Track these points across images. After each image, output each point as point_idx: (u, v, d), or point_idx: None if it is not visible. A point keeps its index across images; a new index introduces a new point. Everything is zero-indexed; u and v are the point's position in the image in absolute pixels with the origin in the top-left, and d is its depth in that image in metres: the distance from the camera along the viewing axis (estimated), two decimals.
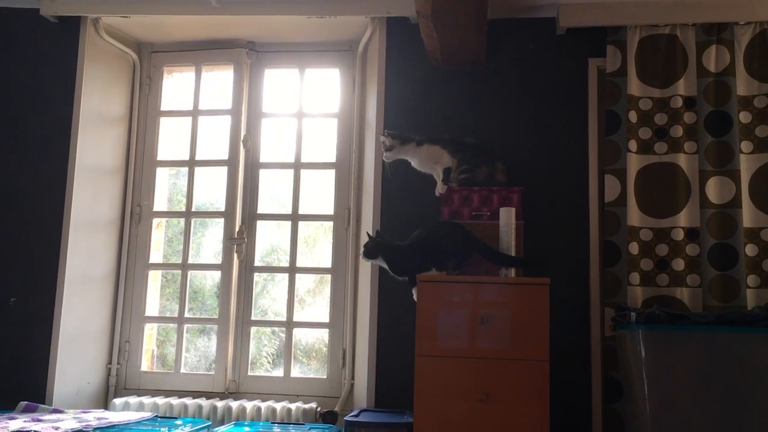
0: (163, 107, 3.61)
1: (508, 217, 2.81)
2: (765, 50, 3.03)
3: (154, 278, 3.54)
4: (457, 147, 3.01)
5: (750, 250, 2.92)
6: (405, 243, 2.85)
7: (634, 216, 2.98)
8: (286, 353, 3.37)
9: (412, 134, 3.04)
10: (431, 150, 3.02)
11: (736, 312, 2.70)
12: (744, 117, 3.00)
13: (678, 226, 2.96)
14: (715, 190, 2.97)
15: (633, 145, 3.03)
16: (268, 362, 3.55)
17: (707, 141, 3.00)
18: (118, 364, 3.39)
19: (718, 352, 2.58)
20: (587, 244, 3.07)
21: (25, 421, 2.63)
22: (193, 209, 3.53)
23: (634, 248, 2.95)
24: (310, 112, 3.55)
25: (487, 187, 2.96)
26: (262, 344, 3.56)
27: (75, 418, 2.77)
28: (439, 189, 2.99)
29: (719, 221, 2.94)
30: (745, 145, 2.99)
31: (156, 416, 2.99)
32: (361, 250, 2.87)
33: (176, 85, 3.68)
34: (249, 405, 3.09)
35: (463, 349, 2.59)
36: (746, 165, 2.97)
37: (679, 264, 2.93)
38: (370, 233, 2.88)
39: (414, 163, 3.07)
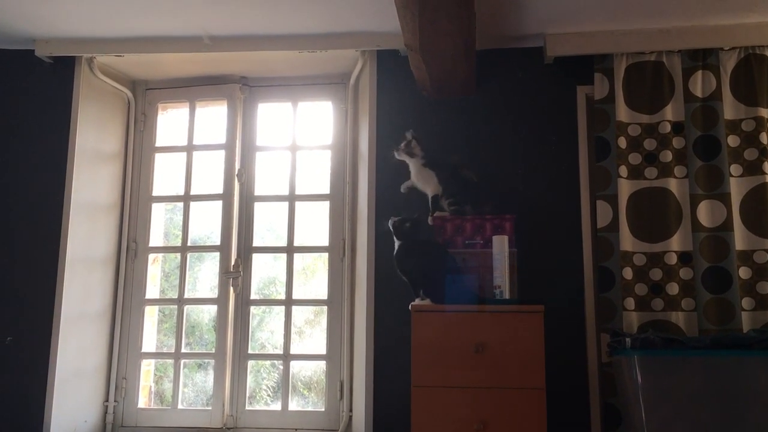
0: (158, 143, 3.64)
1: (501, 245, 2.83)
2: (750, 74, 3.06)
3: (151, 314, 3.55)
4: (449, 176, 3.05)
5: (743, 272, 2.93)
6: (418, 241, 2.85)
7: (627, 241, 2.99)
8: (283, 386, 3.36)
9: (424, 152, 3.09)
10: (426, 173, 3.08)
11: (732, 335, 2.70)
12: (732, 141, 3.03)
13: (671, 251, 2.97)
14: (706, 213, 2.99)
15: (623, 170, 3.05)
16: (268, 395, 3.53)
17: (697, 165, 3.02)
18: (115, 401, 3.37)
19: (714, 376, 2.57)
20: (581, 270, 3.08)
21: None
22: (189, 244, 3.54)
23: (627, 273, 2.96)
24: (303, 144, 3.59)
25: (480, 215, 2.98)
26: (261, 377, 3.54)
27: None
28: (429, 219, 3.03)
29: (712, 244, 2.95)
30: (735, 169, 3.01)
31: None
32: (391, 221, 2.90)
33: (171, 122, 3.72)
34: None
35: (459, 378, 2.58)
36: (736, 188, 2.99)
37: (673, 288, 2.94)
38: (395, 217, 2.88)
39: (412, 174, 3.13)
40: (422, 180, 3.10)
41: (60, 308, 3.20)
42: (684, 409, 2.56)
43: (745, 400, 2.54)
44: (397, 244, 2.86)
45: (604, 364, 2.97)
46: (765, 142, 2.99)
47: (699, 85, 3.08)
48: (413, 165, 3.11)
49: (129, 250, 3.52)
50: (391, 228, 2.87)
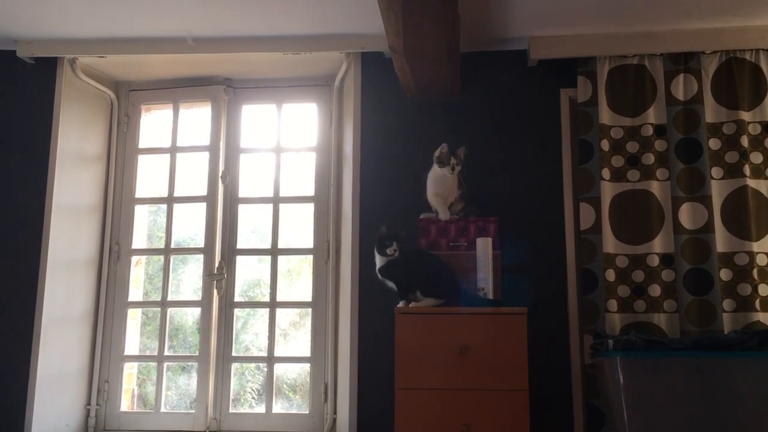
0: (141, 145, 3.62)
1: (485, 247, 2.84)
2: (731, 78, 3.09)
3: (134, 316, 3.52)
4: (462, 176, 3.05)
5: (724, 274, 2.95)
6: (406, 251, 2.84)
7: (610, 243, 3.01)
8: (267, 389, 3.35)
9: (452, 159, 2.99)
10: (453, 179, 3.00)
11: (713, 337, 2.72)
12: (713, 144, 3.06)
13: (653, 253, 2.99)
14: (688, 215, 3.01)
15: (606, 173, 3.07)
16: (253, 398, 3.52)
17: (678, 168, 3.05)
18: (97, 404, 3.35)
19: (695, 377, 2.59)
20: (564, 273, 3.09)
21: None
22: (173, 246, 3.52)
23: (610, 275, 2.98)
24: (288, 146, 3.58)
25: (464, 218, 2.99)
26: (245, 380, 3.53)
27: None
28: (443, 216, 2.98)
29: (693, 246, 2.97)
30: (716, 171, 3.04)
31: None
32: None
33: (154, 123, 3.70)
34: None
35: (443, 380, 2.59)
36: (717, 190, 3.02)
37: (655, 290, 2.96)
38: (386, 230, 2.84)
39: (438, 182, 3.01)
40: (449, 186, 3.01)
41: (42, 311, 3.17)
42: (666, 410, 2.58)
43: (726, 401, 2.56)
44: (390, 253, 2.81)
45: (587, 366, 2.99)
46: (745, 145, 3.02)
47: (681, 89, 3.11)
48: (445, 174, 2.98)
49: (112, 252, 3.49)
50: (400, 241, 2.79)
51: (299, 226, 3.53)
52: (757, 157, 3.04)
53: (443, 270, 2.82)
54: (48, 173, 3.29)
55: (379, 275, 2.85)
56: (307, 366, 3.38)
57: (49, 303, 3.20)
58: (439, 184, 3.01)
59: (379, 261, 2.84)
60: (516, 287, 3.03)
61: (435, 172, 3.01)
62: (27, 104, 3.39)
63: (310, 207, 3.48)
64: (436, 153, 2.99)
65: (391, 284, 2.83)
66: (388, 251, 2.78)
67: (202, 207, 3.48)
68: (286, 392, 3.48)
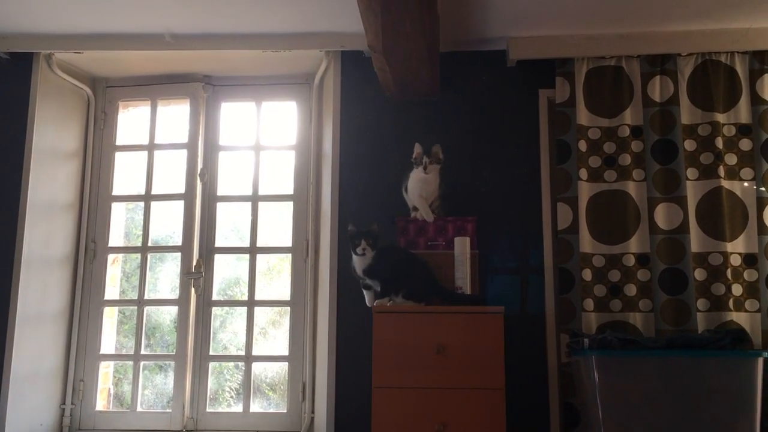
0: (119, 142, 3.59)
1: (462, 246, 2.85)
2: (707, 80, 3.13)
3: (110, 315, 3.49)
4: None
5: (699, 274, 2.99)
6: (386, 248, 2.83)
7: (587, 243, 3.04)
8: (245, 388, 3.34)
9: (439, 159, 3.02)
10: (434, 178, 3.01)
11: (686, 336, 2.76)
12: (689, 145, 3.09)
13: (629, 252, 3.02)
14: (663, 216, 3.04)
15: (583, 173, 3.09)
16: (231, 397, 3.50)
17: (654, 168, 3.08)
18: (72, 404, 3.31)
19: (669, 376, 2.62)
20: (542, 272, 3.11)
21: None
22: (150, 244, 3.50)
23: (587, 275, 3.00)
24: (267, 144, 3.57)
25: (442, 217, 3.00)
26: (223, 379, 3.51)
27: None
28: (428, 218, 3.00)
29: (668, 246, 3.01)
30: (691, 172, 3.07)
31: None
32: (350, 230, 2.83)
33: (132, 120, 3.67)
34: None
35: (420, 379, 2.59)
36: (692, 191, 3.06)
37: (631, 289, 2.99)
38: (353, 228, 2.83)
39: (419, 183, 3.01)
40: (430, 185, 3.01)
41: (16, 309, 3.13)
42: (640, 409, 2.60)
43: (699, 399, 2.59)
44: (372, 250, 2.79)
45: (563, 365, 3.01)
46: (720, 147, 3.06)
47: (657, 90, 3.14)
48: (423, 174, 2.99)
49: (88, 250, 3.46)
50: (369, 237, 2.77)
51: (278, 225, 3.52)
52: (731, 159, 3.08)
53: (425, 272, 2.81)
54: (23, 170, 3.25)
55: (362, 275, 2.82)
56: (285, 365, 3.37)
57: (23, 301, 3.16)
58: (423, 185, 3.01)
59: (357, 261, 2.82)
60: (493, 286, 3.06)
61: (416, 174, 3.02)
62: (2, 100, 3.35)
63: (289, 205, 3.47)
64: (413, 154, 3.01)
65: (374, 283, 2.82)
66: (358, 250, 2.77)
67: (180, 205, 3.45)
68: (265, 391, 3.47)
